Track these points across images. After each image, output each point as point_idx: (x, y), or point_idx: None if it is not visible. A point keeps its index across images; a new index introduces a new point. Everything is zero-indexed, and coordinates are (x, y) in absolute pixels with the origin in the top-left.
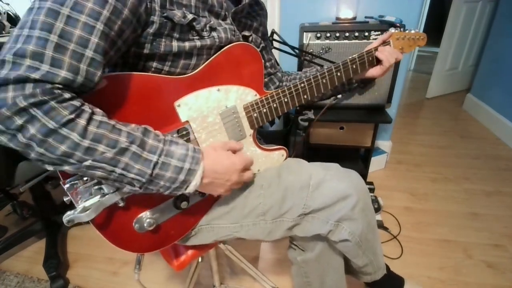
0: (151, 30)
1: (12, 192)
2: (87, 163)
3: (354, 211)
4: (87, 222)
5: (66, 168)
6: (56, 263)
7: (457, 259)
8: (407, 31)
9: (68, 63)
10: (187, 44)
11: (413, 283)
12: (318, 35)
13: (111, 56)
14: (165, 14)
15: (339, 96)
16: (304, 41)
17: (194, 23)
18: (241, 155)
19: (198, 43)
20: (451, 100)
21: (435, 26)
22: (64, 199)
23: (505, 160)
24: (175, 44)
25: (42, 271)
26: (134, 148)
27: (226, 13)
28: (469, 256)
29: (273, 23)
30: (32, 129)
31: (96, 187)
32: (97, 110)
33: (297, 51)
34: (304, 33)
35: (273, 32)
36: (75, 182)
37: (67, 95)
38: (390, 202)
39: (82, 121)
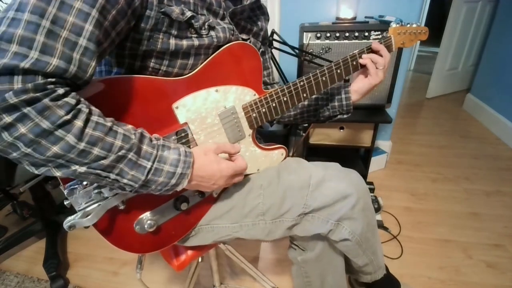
0: (147, 26)
1: (12, 192)
2: (81, 169)
3: (354, 211)
4: (88, 226)
5: (56, 171)
6: (56, 263)
7: (457, 259)
8: (408, 25)
9: (60, 50)
10: (184, 43)
11: (409, 287)
12: (318, 35)
13: (104, 48)
14: (162, 10)
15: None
16: (304, 41)
17: (192, 21)
18: (232, 163)
19: (196, 42)
20: (451, 100)
21: (435, 26)
22: (65, 203)
23: (505, 160)
24: (172, 41)
25: (42, 271)
26: (131, 155)
27: (225, 12)
28: (469, 256)
29: (273, 23)
30: (22, 128)
31: (96, 191)
32: (94, 109)
33: (297, 51)
34: (304, 33)
35: (273, 32)
36: (75, 186)
37: (60, 91)
38: (390, 202)
39: (79, 123)
